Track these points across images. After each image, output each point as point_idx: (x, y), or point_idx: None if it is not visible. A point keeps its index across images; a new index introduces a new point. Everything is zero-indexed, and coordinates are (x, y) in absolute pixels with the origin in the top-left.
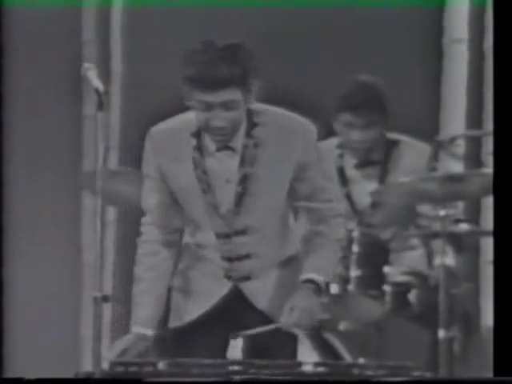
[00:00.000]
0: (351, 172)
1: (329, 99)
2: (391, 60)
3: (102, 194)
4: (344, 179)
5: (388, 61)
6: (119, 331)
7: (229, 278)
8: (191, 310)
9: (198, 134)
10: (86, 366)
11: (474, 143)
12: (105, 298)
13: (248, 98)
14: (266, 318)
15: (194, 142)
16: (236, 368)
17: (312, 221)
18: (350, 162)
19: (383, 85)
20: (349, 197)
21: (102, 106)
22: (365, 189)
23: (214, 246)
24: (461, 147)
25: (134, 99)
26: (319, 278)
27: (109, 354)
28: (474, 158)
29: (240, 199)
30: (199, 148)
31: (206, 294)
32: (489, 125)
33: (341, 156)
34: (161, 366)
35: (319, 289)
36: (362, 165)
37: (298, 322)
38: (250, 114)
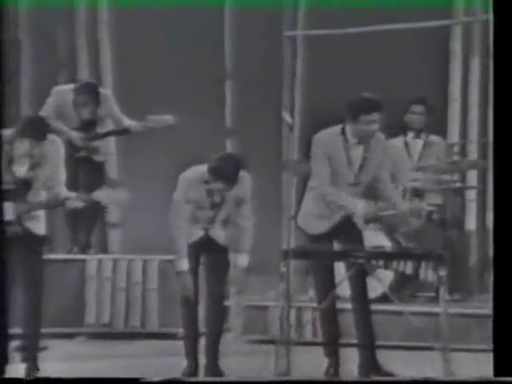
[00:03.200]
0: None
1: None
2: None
3: (292, 172)
4: None
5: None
6: None
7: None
8: (322, 227)
9: (343, 133)
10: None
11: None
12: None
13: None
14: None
15: (341, 137)
16: (372, 252)
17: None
18: None
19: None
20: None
21: (291, 130)
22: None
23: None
24: (457, 148)
25: (303, 128)
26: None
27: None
28: (463, 154)
29: (361, 167)
30: (345, 139)
31: (331, 215)
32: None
33: None
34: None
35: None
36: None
37: (413, 209)
38: None
